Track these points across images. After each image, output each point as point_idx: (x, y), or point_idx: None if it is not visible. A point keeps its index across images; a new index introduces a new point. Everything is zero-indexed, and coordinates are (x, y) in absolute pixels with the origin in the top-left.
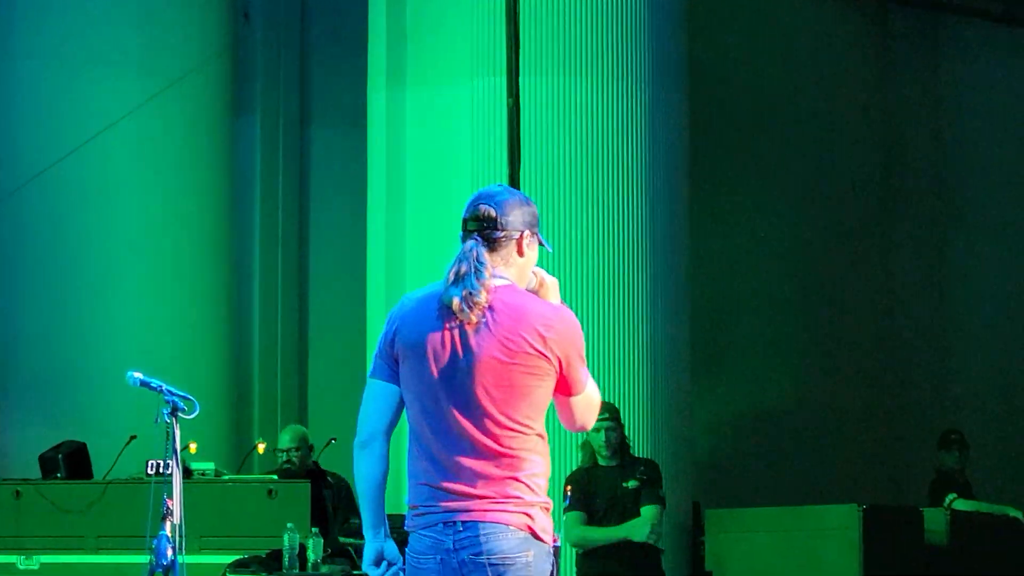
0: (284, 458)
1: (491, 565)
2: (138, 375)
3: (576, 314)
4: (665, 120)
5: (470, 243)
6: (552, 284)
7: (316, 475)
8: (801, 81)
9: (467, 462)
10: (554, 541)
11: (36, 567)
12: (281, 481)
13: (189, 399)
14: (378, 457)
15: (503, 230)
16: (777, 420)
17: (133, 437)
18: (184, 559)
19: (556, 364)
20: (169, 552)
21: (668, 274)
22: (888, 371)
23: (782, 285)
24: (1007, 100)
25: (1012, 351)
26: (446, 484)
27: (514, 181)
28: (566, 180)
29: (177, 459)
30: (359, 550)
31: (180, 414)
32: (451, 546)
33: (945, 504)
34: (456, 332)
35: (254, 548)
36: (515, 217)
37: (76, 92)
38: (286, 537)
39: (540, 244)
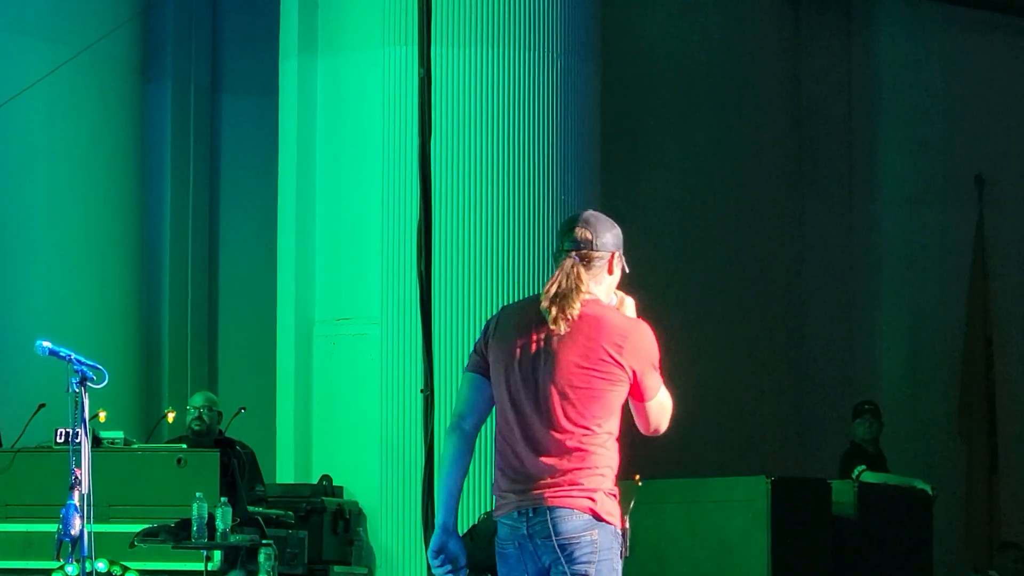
0: (195, 415)
1: (559, 545)
2: (47, 344)
3: (486, 286)
4: (578, 91)
5: (569, 262)
6: (630, 303)
7: (225, 444)
8: (714, 55)
9: (541, 455)
10: (623, 524)
11: None
12: (190, 450)
13: (98, 368)
14: (463, 442)
15: (598, 251)
16: (687, 391)
17: (42, 405)
18: (92, 528)
19: (630, 372)
20: (77, 521)
21: None
22: (799, 342)
23: (694, 256)
24: (917, 73)
25: (922, 324)
26: (522, 475)
27: (425, 151)
28: (477, 150)
29: (86, 428)
30: (268, 519)
31: (89, 383)
32: (525, 532)
33: (853, 476)
34: (543, 338)
35: (163, 517)
36: (608, 239)
37: None
38: (195, 506)
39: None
